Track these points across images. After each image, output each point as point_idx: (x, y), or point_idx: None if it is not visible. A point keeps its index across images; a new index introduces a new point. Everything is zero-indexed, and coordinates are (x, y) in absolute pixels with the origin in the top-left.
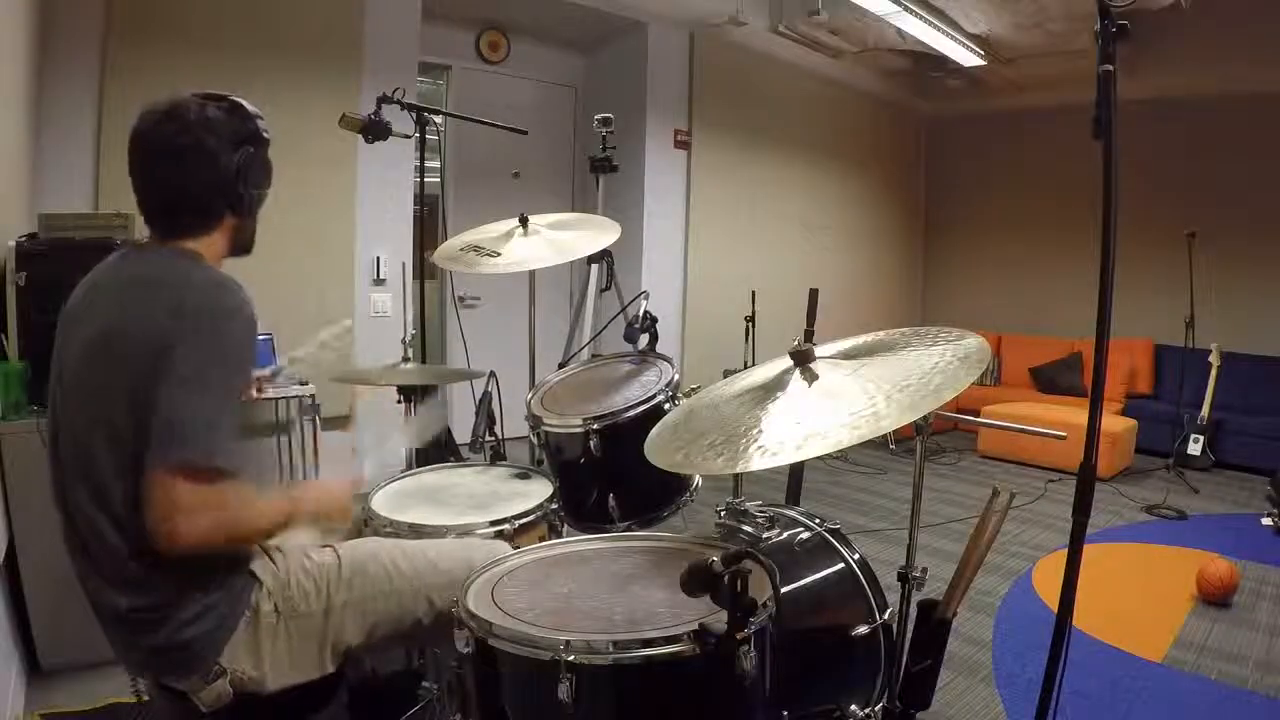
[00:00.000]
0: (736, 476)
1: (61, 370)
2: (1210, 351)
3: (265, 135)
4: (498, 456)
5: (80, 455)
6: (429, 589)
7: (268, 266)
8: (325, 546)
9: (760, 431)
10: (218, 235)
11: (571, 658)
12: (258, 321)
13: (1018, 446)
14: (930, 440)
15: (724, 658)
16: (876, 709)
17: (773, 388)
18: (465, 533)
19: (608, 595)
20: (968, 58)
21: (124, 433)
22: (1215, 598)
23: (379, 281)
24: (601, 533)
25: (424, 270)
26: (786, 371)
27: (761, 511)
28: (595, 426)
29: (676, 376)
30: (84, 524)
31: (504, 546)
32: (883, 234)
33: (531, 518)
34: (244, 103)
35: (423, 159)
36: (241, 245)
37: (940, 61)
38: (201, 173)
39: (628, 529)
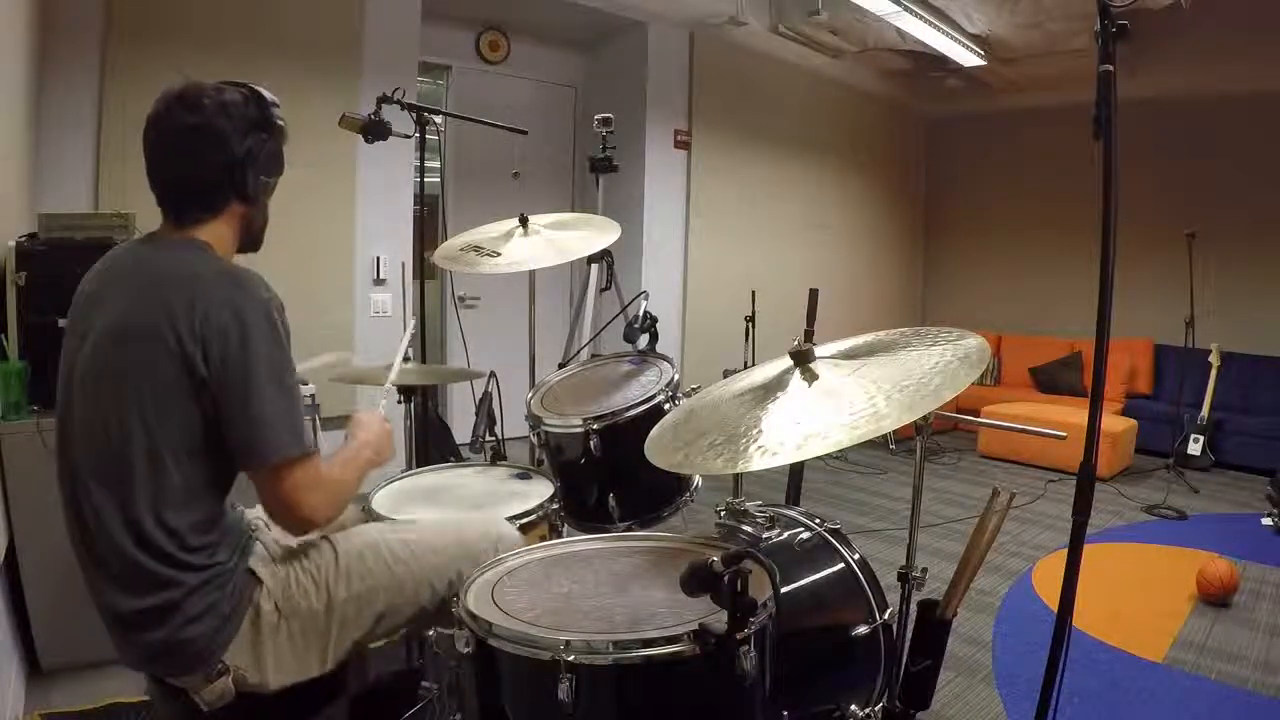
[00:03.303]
0: (736, 476)
1: (74, 365)
2: (1210, 351)
3: (280, 124)
4: (498, 456)
5: (100, 454)
6: (429, 573)
7: (268, 266)
8: (321, 539)
9: (760, 431)
10: (224, 224)
11: (571, 658)
12: None
13: (1018, 446)
14: (930, 440)
15: (724, 658)
16: (876, 709)
17: (773, 388)
18: None
19: (608, 595)
20: (968, 58)
21: (155, 431)
22: (1215, 598)
23: (379, 281)
24: (602, 533)
25: (424, 270)
26: (786, 371)
27: (761, 511)
28: (595, 426)
29: (676, 376)
30: (94, 522)
31: (497, 520)
32: (883, 234)
33: (532, 518)
34: (263, 91)
35: (423, 159)
36: (250, 238)
37: (940, 61)
38: (210, 155)
39: (628, 529)
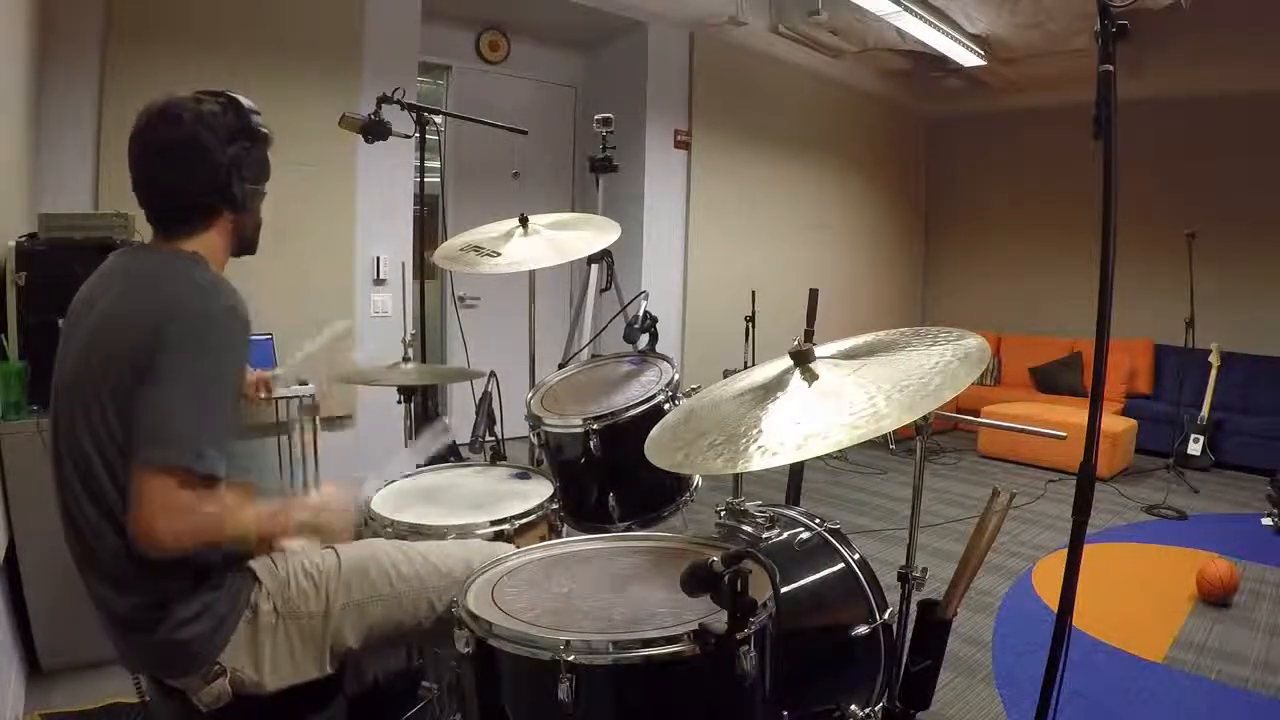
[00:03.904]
0: (736, 476)
1: (62, 371)
2: (1210, 351)
3: (262, 130)
4: (498, 456)
5: (77, 455)
6: (430, 592)
7: (268, 266)
8: (326, 548)
9: (760, 431)
10: (216, 233)
11: (571, 658)
12: (251, 323)
13: (1018, 446)
14: (930, 440)
15: (724, 658)
16: (876, 709)
17: (773, 388)
18: (465, 533)
19: (608, 595)
20: (968, 58)
21: (115, 434)
22: (1215, 598)
23: (379, 281)
24: (601, 533)
25: (424, 270)
26: (786, 371)
27: (761, 511)
28: (595, 426)
29: (676, 376)
30: (84, 524)
31: (506, 548)
32: (883, 234)
33: (531, 518)
34: (240, 98)
35: (423, 159)
36: (244, 243)
37: (940, 61)
38: (195, 168)
39: (628, 529)
